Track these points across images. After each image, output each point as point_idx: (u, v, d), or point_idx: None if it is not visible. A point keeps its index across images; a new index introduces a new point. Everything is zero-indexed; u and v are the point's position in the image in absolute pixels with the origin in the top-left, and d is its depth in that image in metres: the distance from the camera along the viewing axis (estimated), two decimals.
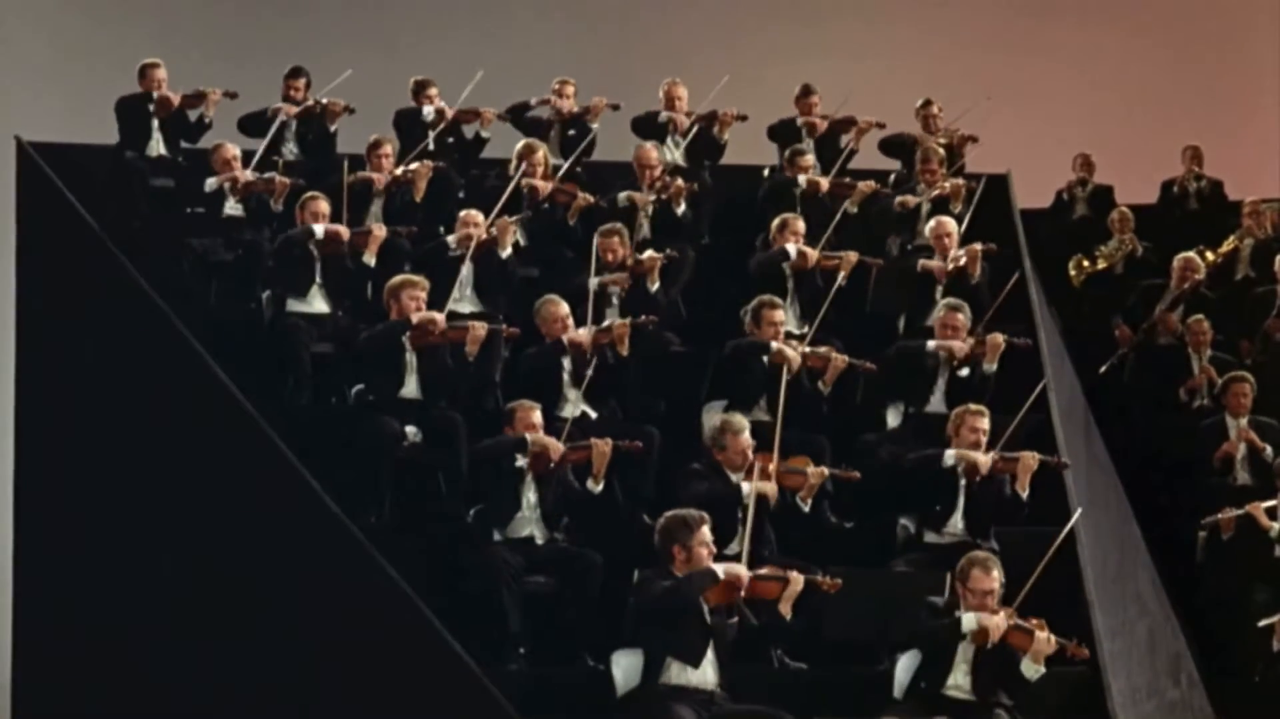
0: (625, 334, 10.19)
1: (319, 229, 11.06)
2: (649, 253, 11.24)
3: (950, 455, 9.55)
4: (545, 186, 12.07)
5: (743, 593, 8.24)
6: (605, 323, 10.41)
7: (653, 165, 12.51)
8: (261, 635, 8.96)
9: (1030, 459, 9.51)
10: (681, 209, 12.29)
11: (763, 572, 8.39)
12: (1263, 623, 9.97)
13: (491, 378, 10.49)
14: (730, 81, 13.86)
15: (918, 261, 11.65)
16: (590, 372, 10.05)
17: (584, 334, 10.18)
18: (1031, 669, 8.33)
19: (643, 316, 10.42)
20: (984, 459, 9.50)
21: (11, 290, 10.52)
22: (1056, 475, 9.97)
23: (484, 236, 11.19)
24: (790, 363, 10.08)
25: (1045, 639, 8.31)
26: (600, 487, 9.26)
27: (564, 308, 10.29)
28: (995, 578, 8.46)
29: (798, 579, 8.31)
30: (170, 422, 9.59)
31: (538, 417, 9.36)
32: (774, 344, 10.22)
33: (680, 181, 12.40)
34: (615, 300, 10.99)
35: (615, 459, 9.35)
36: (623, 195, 12.22)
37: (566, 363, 10.18)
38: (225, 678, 8.99)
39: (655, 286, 11.18)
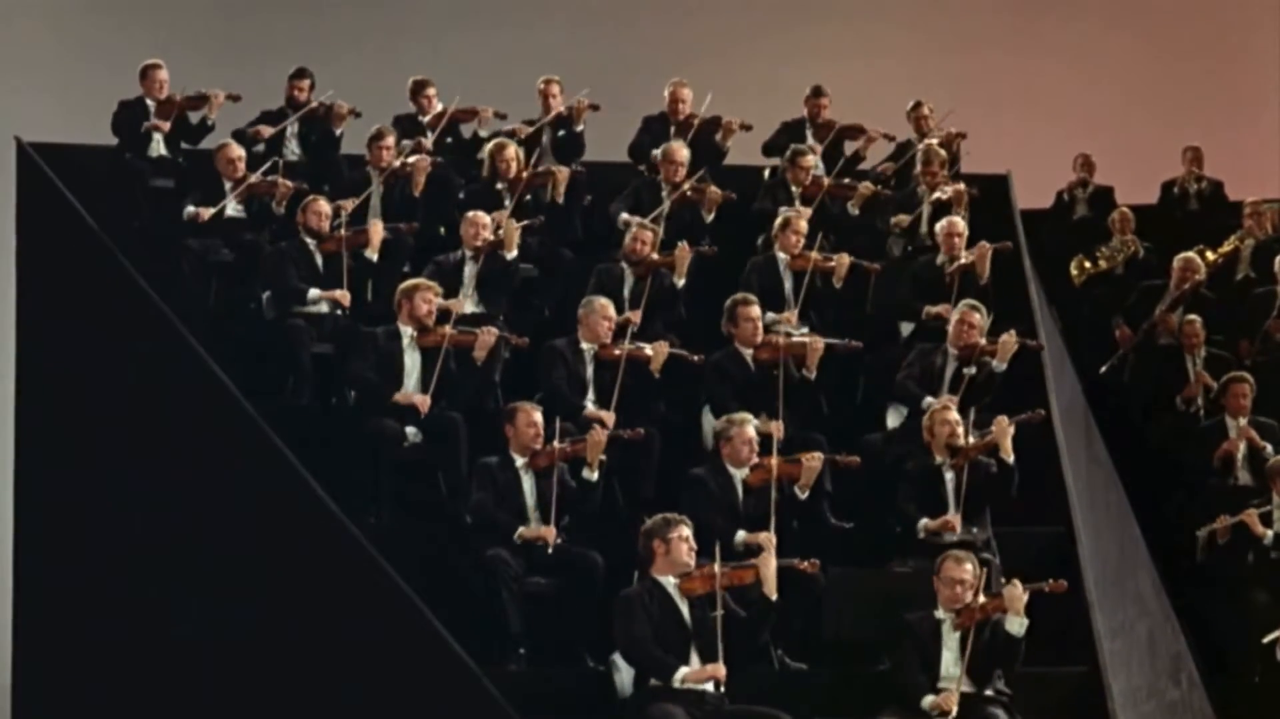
0: (664, 357, 10.21)
1: (314, 293, 11.09)
2: (682, 245, 11.26)
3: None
4: (521, 177, 12.09)
5: (718, 584, 8.25)
6: (643, 345, 10.37)
7: (681, 163, 12.49)
8: (261, 635, 8.96)
9: (1003, 423, 9.52)
10: (711, 217, 12.28)
11: (735, 565, 8.43)
12: (1267, 639, 10.00)
13: (492, 379, 10.50)
14: (730, 83, 13.86)
15: (939, 268, 11.55)
16: (617, 387, 10.08)
17: (608, 417, 10.09)
18: (1016, 624, 8.40)
19: (696, 356, 10.39)
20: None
21: (11, 290, 10.52)
22: (1057, 473, 9.98)
23: (491, 239, 11.22)
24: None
25: (1014, 587, 8.41)
26: (595, 475, 9.25)
27: (611, 309, 10.33)
28: (968, 569, 8.55)
29: (769, 557, 8.35)
30: (170, 422, 9.59)
31: (538, 417, 9.37)
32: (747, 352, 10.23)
33: (715, 189, 12.36)
34: (626, 295, 10.99)
35: (616, 459, 9.35)
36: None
37: (590, 374, 10.22)
38: (225, 678, 8.99)
39: (682, 282, 11.22)
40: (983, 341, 10.47)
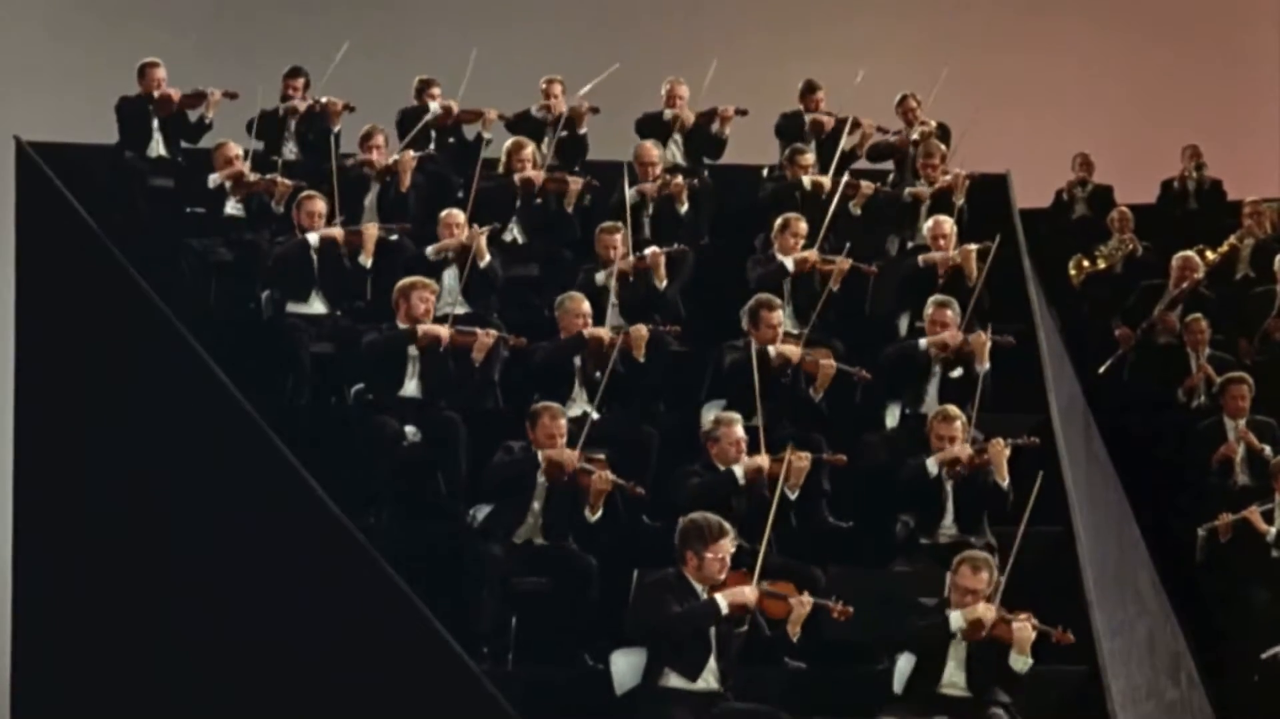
0: (643, 340, 10.20)
1: (314, 237, 11.10)
2: (653, 248, 11.26)
3: (932, 464, 9.55)
4: (537, 177, 12.09)
5: (750, 607, 8.20)
6: (620, 325, 10.37)
7: (653, 163, 12.51)
8: (261, 635, 8.96)
9: (999, 445, 9.48)
10: (684, 208, 12.31)
11: (770, 589, 8.31)
12: (1266, 655, 10.03)
13: (491, 378, 10.51)
14: (730, 83, 13.86)
15: (918, 258, 11.60)
16: (603, 376, 10.05)
17: (604, 332, 10.15)
18: (1020, 662, 8.28)
19: (668, 326, 10.39)
20: (965, 450, 9.50)
21: (11, 290, 10.52)
22: (1057, 473, 9.97)
23: (464, 240, 11.20)
24: (789, 358, 10.09)
25: (1025, 627, 8.24)
26: (597, 517, 9.17)
27: (585, 304, 10.33)
28: (983, 579, 8.41)
29: (805, 602, 8.25)
30: (170, 422, 9.59)
31: (563, 424, 9.24)
32: (771, 349, 10.19)
33: (680, 179, 12.42)
34: (614, 299, 10.99)
35: (615, 459, 9.34)
36: (631, 191, 12.01)
37: (578, 360, 10.20)
38: (225, 678, 8.99)
39: (664, 284, 11.21)
40: (957, 339, 10.43)
